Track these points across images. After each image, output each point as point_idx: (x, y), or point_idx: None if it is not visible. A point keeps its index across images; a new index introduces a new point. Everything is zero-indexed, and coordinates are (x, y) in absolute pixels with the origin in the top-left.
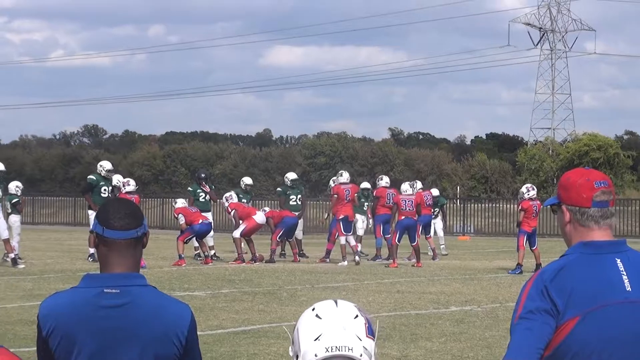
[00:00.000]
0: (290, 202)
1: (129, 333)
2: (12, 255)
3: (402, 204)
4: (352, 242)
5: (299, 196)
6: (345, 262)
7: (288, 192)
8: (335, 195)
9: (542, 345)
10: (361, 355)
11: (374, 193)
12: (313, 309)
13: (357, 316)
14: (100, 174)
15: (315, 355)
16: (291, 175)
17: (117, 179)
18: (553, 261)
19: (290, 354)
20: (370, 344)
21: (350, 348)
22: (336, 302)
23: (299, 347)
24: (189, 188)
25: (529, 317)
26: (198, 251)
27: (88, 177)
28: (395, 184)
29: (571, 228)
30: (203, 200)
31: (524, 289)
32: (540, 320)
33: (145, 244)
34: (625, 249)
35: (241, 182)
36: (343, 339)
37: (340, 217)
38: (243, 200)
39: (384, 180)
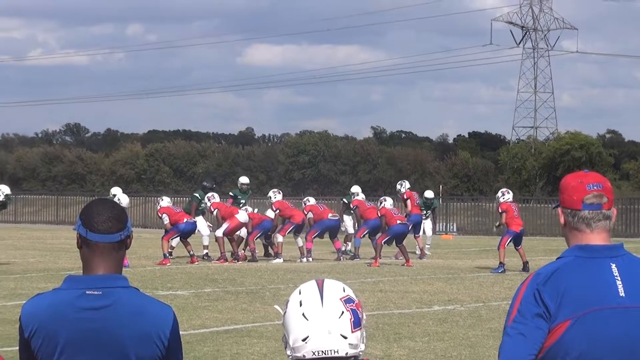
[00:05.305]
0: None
1: (110, 335)
2: None
3: (391, 214)
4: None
5: (244, 201)
6: (281, 260)
7: (239, 197)
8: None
9: (534, 351)
10: (347, 353)
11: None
12: (300, 304)
13: (342, 313)
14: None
15: (304, 356)
16: (243, 180)
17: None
18: (548, 264)
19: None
20: (356, 336)
21: (335, 351)
22: (322, 296)
23: (288, 338)
24: (195, 194)
25: (521, 321)
26: (206, 251)
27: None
28: (379, 183)
29: (567, 231)
30: (202, 208)
31: (519, 292)
32: (532, 325)
33: (128, 246)
34: (621, 254)
35: (238, 183)
36: (329, 343)
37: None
38: (242, 201)
39: (360, 196)
